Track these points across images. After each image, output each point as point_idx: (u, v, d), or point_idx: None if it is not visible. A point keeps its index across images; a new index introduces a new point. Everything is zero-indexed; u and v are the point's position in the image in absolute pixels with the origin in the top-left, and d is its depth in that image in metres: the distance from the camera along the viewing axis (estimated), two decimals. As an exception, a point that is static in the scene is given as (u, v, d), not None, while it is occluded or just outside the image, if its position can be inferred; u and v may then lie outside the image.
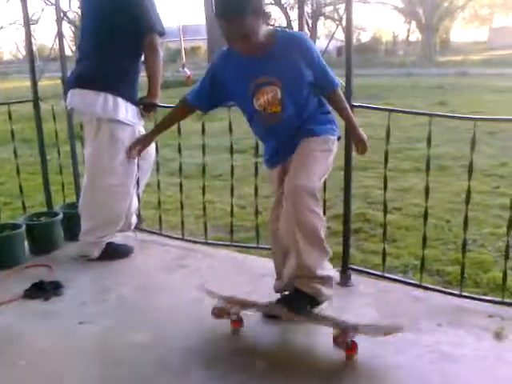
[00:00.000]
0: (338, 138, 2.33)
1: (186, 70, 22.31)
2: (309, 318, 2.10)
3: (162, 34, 3.00)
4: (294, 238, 2.05)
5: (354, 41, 2.83)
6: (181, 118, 2.64)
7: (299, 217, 2.03)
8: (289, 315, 2.12)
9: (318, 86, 2.21)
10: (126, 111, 2.99)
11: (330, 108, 2.33)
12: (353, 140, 2.38)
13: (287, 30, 2.26)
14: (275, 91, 2.12)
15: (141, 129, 3.16)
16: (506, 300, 2.55)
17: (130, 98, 3.02)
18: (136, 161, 3.11)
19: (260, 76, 2.12)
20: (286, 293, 2.23)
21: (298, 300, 2.11)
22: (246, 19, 1.95)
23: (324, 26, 36.45)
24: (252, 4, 1.96)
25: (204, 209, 3.41)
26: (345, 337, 2.04)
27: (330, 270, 2.16)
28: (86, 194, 3.15)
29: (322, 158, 2.17)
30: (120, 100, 2.95)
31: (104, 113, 2.94)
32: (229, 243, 3.38)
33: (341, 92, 2.30)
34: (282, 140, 2.26)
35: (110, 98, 2.92)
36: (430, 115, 2.57)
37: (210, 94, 2.31)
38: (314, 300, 2.12)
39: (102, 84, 2.93)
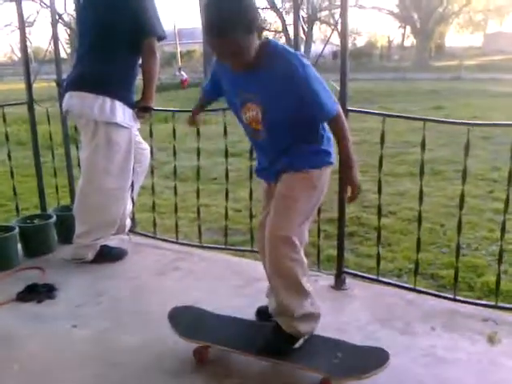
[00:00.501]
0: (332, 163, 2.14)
1: (182, 73, 22.29)
2: (284, 361, 2.08)
3: (162, 37, 3.00)
4: (273, 281, 2.08)
5: (350, 45, 2.83)
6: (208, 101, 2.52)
7: (276, 265, 2.04)
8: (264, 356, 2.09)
9: (308, 114, 1.98)
10: (124, 114, 2.99)
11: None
12: (344, 179, 2.14)
13: (280, 46, 1.97)
14: (256, 111, 2.01)
15: (136, 132, 3.17)
16: (500, 304, 2.56)
17: (127, 100, 3.02)
18: (132, 164, 3.11)
19: (246, 91, 2.02)
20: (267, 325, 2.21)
21: (276, 342, 2.10)
22: (237, 39, 1.80)
23: (320, 31, 36.64)
24: (244, 21, 1.81)
25: (198, 212, 3.41)
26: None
27: (310, 307, 2.12)
28: (82, 197, 3.14)
29: (303, 200, 2.05)
30: (117, 103, 2.95)
31: (101, 116, 2.93)
32: (223, 246, 3.38)
33: (341, 120, 2.00)
34: (268, 157, 2.16)
35: (108, 100, 2.92)
36: (425, 120, 2.58)
37: (218, 88, 2.23)
38: (295, 338, 2.11)
39: (100, 87, 2.92)
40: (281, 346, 2.08)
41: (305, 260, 2.10)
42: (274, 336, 2.11)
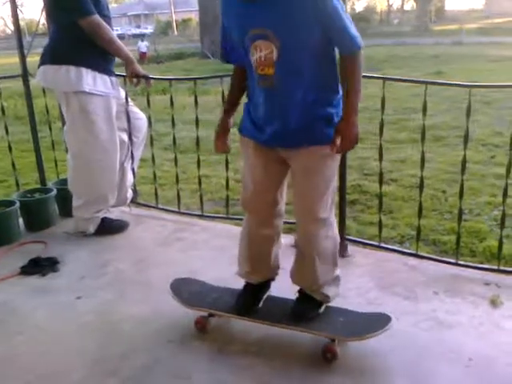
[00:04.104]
0: None
1: (145, 43, 20.80)
2: (288, 326, 2.10)
3: (91, 13, 2.81)
4: (309, 258, 2.06)
5: (348, 10, 2.76)
6: (241, 80, 2.04)
7: (315, 246, 2.03)
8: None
9: (331, 53, 1.80)
10: (94, 81, 2.92)
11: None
12: (338, 130, 1.85)
13: None
14: (270, 49, 1.75)
15: (122, 96, 3.12)
16: (502, 268, 2.57)
17: (98, 67, 2.93)
18: (116, 133, 3.07)
19: (255, 26, 1.75)
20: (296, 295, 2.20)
21: (306, 309, 2.11)
22: None
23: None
24: None
25: (200, 182, 3.40)
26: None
27: (338, 271, 2.16)
28: (71, 171, 3.14)
29: (332, 177, 1.96)
30: (84, 70, 2.88)
31: (68, 86, 2.89)
32: (225, 216, 3.38)
33: (360, 58, 1.78)
34: (274, 111, 1.87)
35: (72, 69, 2.86)
36: (426, 83, 2.54)
37: (231, 45, 1.96)
38: (321, 304, 2.14)
39: (61, 57, 2.88)
40: (311, 312, 2.10)
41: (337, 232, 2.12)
42: (303, 304, 2.13)
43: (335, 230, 2.11)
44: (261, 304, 2.20)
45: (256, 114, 1.96)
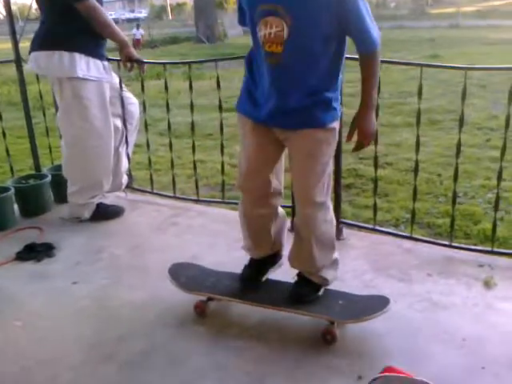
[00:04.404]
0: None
1: (139, 31, 20.63)
2: (287, 309, 2.11)
3: None
4: (307, 241, 2.06)
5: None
6: None
7: (313, 229, 2.04)
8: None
9: (342, 42, 1.82)
10: (87, 66, 2.89)
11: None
12: (356, 125, 1.92)
13: None
14: (281, 27, 1.72)
15: (115, 81, 3.10)
16: (496, 249, 2.59)
17: (91, 52, 2.90)
18: (111, 118, 3.05)
19: (264, 1, 1.72)
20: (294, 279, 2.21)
21: (306, 292, 2.12)
22: None
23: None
24: None
25: (195, 167, 3.39)
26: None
27: (336, 254, 2.18)
28: (66, 158, 3.12)
29: (329, 159, 1.99)
30: (77, 55, 2.85)
31: (61, 72, 2.86)
32: (221, 200, 3.38)
33: (378, 55, 1.83)
34: (277, 90, 1.86)
35: (66, 54, 2.83)
36: (421, 65, 2.54)
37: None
38: (320, 286, 2.15)
39: (54, 42, 2.85)
40: (310, 295, 2.12)
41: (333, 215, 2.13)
42: (302, 287, 2.14)
43: (332, 213, 2.12)
44: (264, 278, 2.23)
45: (256, 89, 1.95)
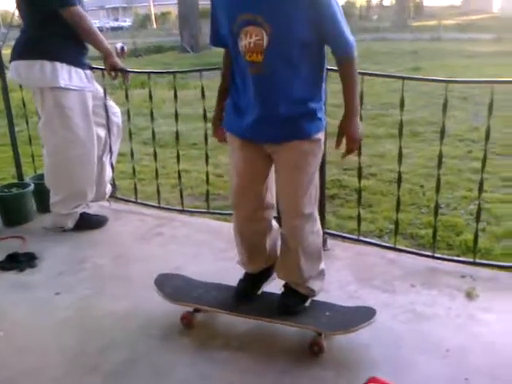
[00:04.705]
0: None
1: (120, 46, 20.92)
2: (275, 320, 2.12)
3: (73, 3, 2.78)
4: (294, 252, 2.06)
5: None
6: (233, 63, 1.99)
7: (301, 241, 2.04)
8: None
9: (321, 48, 1.86)
10: (69, 76, 2.87)
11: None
12: (342, 131, 1.94)
13: None
14: (260, 36, 1.75)
15: (98, 90, 3.09)
16: (477, 260, 2.62)
17: (74, 61, 2.89)
18: (93, 127, 3.03)
19: (244, 11, 1.75)
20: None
21: (293, 303, 2.12)
22: None
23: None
24: None
25: (179, 177, 3.39)
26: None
27: (322, 265, 2.19)
28: (48, 168, 3.09)
29: (315, 170, 2.00)
30: (59, 65, 2.82)
31: (43, 81, 2.84)
32: (205, 210, 3.37)
33: (355, 61, 1.86)
34: (259, 100, 1.86)
35: (47, 64, 2.81)
36: (403, 78, 2.58)
37: (219, 30, 1.94)
38: (306, 297, 2.15)
39: (35, 51, 2.83)
40: (297, 306, 2.12)
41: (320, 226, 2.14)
42: (289, 298, 2.14)
43: (319, 224, 2.13)
44: (259, 292, 2.23)
45: (241, 100, 1.95)
